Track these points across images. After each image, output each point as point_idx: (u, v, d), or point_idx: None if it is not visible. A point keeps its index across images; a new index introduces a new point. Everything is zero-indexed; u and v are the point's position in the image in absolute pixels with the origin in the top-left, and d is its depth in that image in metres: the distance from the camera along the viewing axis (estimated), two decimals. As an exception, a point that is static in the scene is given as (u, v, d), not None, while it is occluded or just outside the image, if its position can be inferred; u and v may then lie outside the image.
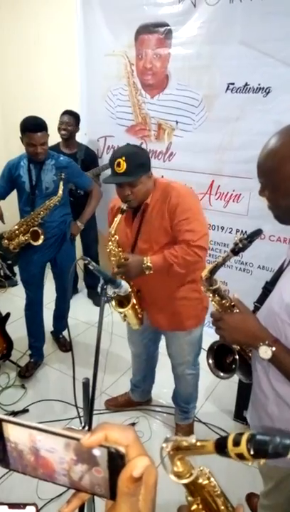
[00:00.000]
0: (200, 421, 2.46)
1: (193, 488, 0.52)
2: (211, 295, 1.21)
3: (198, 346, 2.19)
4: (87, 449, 0.38)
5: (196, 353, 2.20)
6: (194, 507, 0.53)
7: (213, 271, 1.18)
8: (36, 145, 2.43)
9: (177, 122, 3.16)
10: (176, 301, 1.99)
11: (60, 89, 3.87)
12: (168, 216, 1.80)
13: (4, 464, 0.43)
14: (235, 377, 2.55)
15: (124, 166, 1.71)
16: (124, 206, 1.80)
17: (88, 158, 3.51)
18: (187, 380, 2.26)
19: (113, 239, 1.86)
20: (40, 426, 0.40)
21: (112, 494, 0.39)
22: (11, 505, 0.58)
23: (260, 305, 1.23)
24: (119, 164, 1.72)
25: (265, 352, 1.03)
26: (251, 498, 1.96)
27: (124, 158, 1.72)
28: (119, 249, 1.89)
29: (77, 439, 0.38)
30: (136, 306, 1.98)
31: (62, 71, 3.82)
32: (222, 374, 1.24)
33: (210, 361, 1.26)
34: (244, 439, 0.41)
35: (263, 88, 2.69)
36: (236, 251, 1.11)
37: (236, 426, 2.44)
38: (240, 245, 1.10)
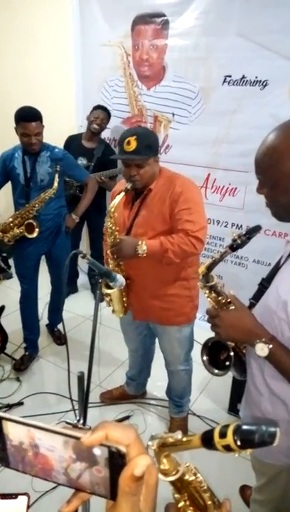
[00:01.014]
0: (194, 414, 2.48)
1: (180, 485, 0.52)
2: (207, 291, 1.20)
3: (189, 343, 2.18)
4: (87, 448, 0.38)
5: (188, 350, 2.20)
6: (181, 504, 0.53)
7: (210, 267, 1.17)
8: (30, 135, 2.40)
9: (173, 114, 3.14)
10: (166, 296, 1.97)
11: (56, 80, 3.83)
12: (169, 204, 1.80)
13: (4, 463, 0.42)
14: (229, 372, 2.56)
15: (133, 144, 1.71)
16: (129, 186, 1.80)
17: (105, 158, 3.35)
18: (180, 376, 2.26)
19: (112, 215, 1.85)
20: (41, 424, 0.39)
21: (113, 494, 0.38)
22: (3, 496, 0.58)
23: (256, 302, 1.22)
24: (129, 142, 1.72)
25: (261, 349, 1.03)
26: (244, 490, 1.98)
27: (134, 137, 1.72)
28: (116, 228, 1.88)
29: (78, 438, 0.38)
30: (123, 292, 1.97)
31: (58, 61, 3.77)
32: (216, 371, 1.24)
33: (205, 358, 1.25)
34: (230, 430, 0.41)
35: (260, 81, 2.68)
36: (234, 247, 1.10)
37: (230, 419, 2.45)
38: (239, 241, 1.09)
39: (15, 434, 0.40)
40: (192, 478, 0.52)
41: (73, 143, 3.35)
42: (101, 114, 3.31)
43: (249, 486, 1.96)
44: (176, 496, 0.53)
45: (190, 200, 1.79)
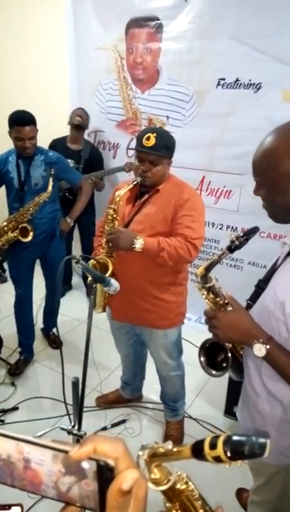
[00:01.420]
0: (190, 417, 2.47)
1: (171, 494, 0.52)
2: (205, 293, 1.20)
3: (176, 349, 2.16)
4: (76, 462, 0.37)
5: (176, 356, 2.18)
6: None
7: (209, 268, 1.17)
8: (24, 139, 2.40)
9: (168, 117, 3.15)
10: (151, 299, 1.95)
11: (50, 83, 3.82)
12: (173, 207, 1.81)
13: None
14: (226, 373, 2.56)
15: (153, 140, 1.75)
16: (138, 179, 1.82)
17: (92, 159, 3.42)
18: (172, 381, 2.25)
19: (116, 203, 1.84)
20: (29, 438, 0.39)
21: (102, 507, 0.38)
22: None
23: (253, 303, 1.23)
24: (148, 138, 1.76)
25: (259, 350, 1.03)
26: (241, 493, 1.98)
27: (155, 134, 1.77)
28: (117, 217, 1.87)
29: (66, 452, 0.37)
30: None
31: (52, 65, 3.77)
32: (214, 372, 1.24)
33: (202, 359, 1.25)
34: (220, 441, 0.41)
35: (254, 84, 2.69)
36: (232, 249, 1.11)
37: (226, 422, 2.45)
38: (236, 243, 1.09)
39: (4, 448, 0.40)
40: (184, 486, 0.52)
41: (58, 146, 3.33)
42: (80, 111, 3.36)
43: (246, 489, 1.95)
44: (168, 505, 0.52)
45: (194, 209, 1.81)
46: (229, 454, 0.39)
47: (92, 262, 1.83)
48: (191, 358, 2.39)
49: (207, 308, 1.19)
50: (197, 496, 0.52)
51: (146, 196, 1.89)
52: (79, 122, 3.34)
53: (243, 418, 1.30)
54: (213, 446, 0.41)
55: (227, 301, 1.17)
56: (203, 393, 2.69)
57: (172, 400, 2.31)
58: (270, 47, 2.54)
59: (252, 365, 1.18)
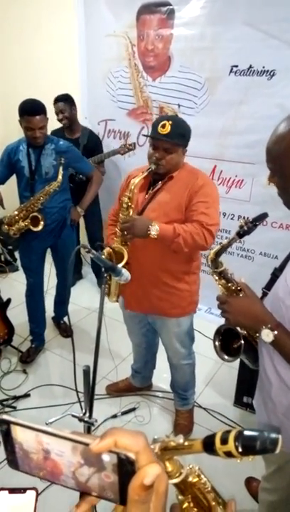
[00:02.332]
0: (200, 406, 2.48)
1: (183, 487, 0.52)
2: (217, 277, 1.23)
3: (189, 338, 2.17)
4: (96, 454, 0.37)
5: (188, 345, 2.19)
6: (185, 505, 0.53)
7: (219, 253, 1.21)
8: (34, 129, 2.39)
9: (179, 106, 3.11)
10: (164, 287, 1.96)
11: (60, 72, 3.80)
12: (188, 193, 1.81)
13: (14, 466, 0.42)
14: (236, 363, 2.57)
15: (168, 128, 1.74)
16: (153, 166, 1.81)
17: (91, 144, 3.41)
18: (183, 370, 2.26)
19: (132, 191, 1.83)
20: (49, 429, 0.39)
21: (122, 499, 0.38)
22: (12, 490, 0.58)
23: (268, 291, 1.25)
24: (164, 126, 1.75)
25: (267, 335, 1.06)
26: (250, 482, 1.99)
27: (171, 122, 1.76)
28: (132, 205, 1.86)
29: (87, 444, 0.38)
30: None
31: (62, 53, 3.74)
32: (226, 357, 1.27)
33: (217, 343, 1.28)
34: (231, 436, 0.40)
35: (267, 71, 2.63)
36: (241, 234, 1.14)
37: (236, 412, 2.46)
38: (245, 228, 1.12)
39: (23, 438, 0.40)
40: (196, 479, 0.52)
41: (57, 136, 3.32)
42: (60, 105, 3.27)
43: (255, 478, 1.96)
44: (180, 497, 0.53)
45: (208, 195, 1.81)
46: (240, 450, 0.39)
47: (107, 250, 1.83)
48: (201, 347, 2.41)
49: (220, 294, 1.23)
50: (209, 488, 0.52)
51: (160, 183, 1.88)
52: (64, 124, 3.32)
53: (258, 405, 1.32)
54: (224, 441, 0.40)
55: (239, 287, 1.20)
56: (213, 383, 2.69)
57: (182, 389, 2.32)
58: (284, 33, 2.48)
59: (266, 352, 1.19)
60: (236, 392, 2.48)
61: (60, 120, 3.30)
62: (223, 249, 1.20)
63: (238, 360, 2.45)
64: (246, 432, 0.40)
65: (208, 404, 2.51)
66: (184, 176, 1.86)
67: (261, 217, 1.12)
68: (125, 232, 1.83)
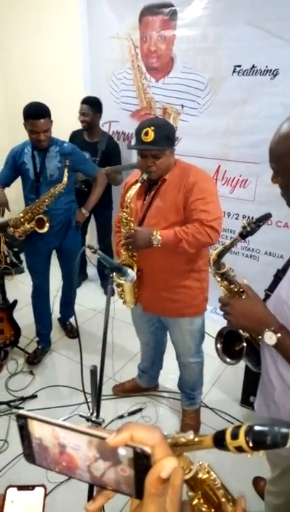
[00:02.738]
0: (206, 406, 2.48)
1: (193, 484, 0.52)
2: (219, 279, 1.21)
3: (200, 335, 2.19)
4: (111, 448, 0.38)
5: (199, 342, 2.21)
6: (195, 501, 0.53)
7: (221, 254, 1.18)
8: (39, 132, 2.40)
9: (182, 106, 3.12)
10: (177, 288, 1.97)
11: (63, 74, 3.82)
12: (183, 193, 1.80)
13: (30, 459, 0.43)
14: (242, 363, 2.55)
15: (151, 135, 1.72)
16: (145, 176, 1.81)
17: (109, 150, 3.38)
18: (192, 368, 2.27)
19: (128, 206, 1.85)
20: (66, 424, 0.40)
21: (138, 493, 0.39)
22: (20, 487, 0.59)
23: (271, 293, 1.23)
24: (146, 133, 1.73)
25: (270, 338, 1.04)
26: (257, 481, 1.99)
27: (152, 127, 1.73)
28: (131, 218, 1.88)
29: (103, 438, 0.38)
30: (135, 284, 1.97)
31: (65, 55, 3.76)
32: (228, 360, 1.25)
33: (218, 346, 1.26)
34: (242, 431, 0.41)
35: (270, 70, 2.63)
36: (244, 234, 1.11)
37: (242, 411, 2.46)
38: (248, 229, 1.10)
39: (40, 432, 0.41)
40: (206, 476, 0.52)
41: (77, 138, 3.35)
42: (84, 108, 3.27)
43: (262, 477, 1.96)
44: (190, 493, 0.53)
45: (204, 190, 1.79)
46: (251, 444, 0.40)
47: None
48: (207, 347, 2.41)
49: (222, 296, 1.20)
50: (219, 485, 0.53)
51: (155, 189, 1.88)
52: (85, 127, 3.32)
53: (259, 407, 1.30)
54: (235, 436, 0.41)
55: (242, 289, 1.18)
56: (219, 383, 2.69)
57: (190, 388, 2.33)
58: (286, 31, 2.48)
59: (269, 355, 1.18)
60: (242, 391, 2.47)
61: (81, 121, 3.31)
62: (225, 250, 1.17)
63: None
64: (257, 427, 0.40)
65: (215, 403, 2.51)
66: (176, 176, 1.85)
67: (265, 218, 1.10)
68: (130, 247, 1.85)
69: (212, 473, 0.53)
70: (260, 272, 2.84)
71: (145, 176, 1.81)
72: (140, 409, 2.47)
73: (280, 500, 1.39)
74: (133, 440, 0.38)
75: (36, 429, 0.41)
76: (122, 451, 0.38)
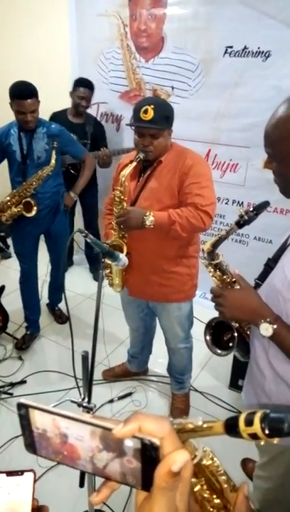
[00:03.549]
0: (196, 390, 2.50)
1: (197, 470, 0.51)
2: (212, 270, 1.18)
3: (188, 321, 2.19)
4: (116, 439, 0.37)
5: (187, 328, 2.21)
6: (197, 487, 0.52)
7: (216, 244, 1.15)
8: (26, 112, 2.33)
9: (173, 88, 3.06)
10: (166, 273, 1.96)
11: (50, 53, 3.70)
12: (179, 176, 1.77)
13: (31, 450, 0.42)
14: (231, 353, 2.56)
15: (151, 113, 1.69)
16: (141, 155, 1.77)
17: (97, 132, 3.32)
18: (181, 353, 2.27)
19: (122, 184, 1.81)
20: (69, 414, 0.38)
21: (144, 485, 0.38)
22: (9, 473, 0.57)
23: (261, 282, 1.20)
24: (146, 111, 1.69)
25: (266, 329, 1.01)
26: (246, 463, 2.02)
27: (152, 106, 1.70)
28: (125, 197, 1.84)
29: (109, 429, 0.37)
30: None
31: (52, 33, 3.63)
32: (219, 351, 1.22)
33: (208, 338, 1.23)
34: (257, 417, 0.39)
35: (262, 52, 2.59)
36: (241, 224, 1.08)
37: (231, 394, 2.49)
38: (246, 217, 1.07)
39: (41, 422, 0.40)
40: (209, 462, 0.51)
41: (59, 119, 3.22)
42: (85, 92, 3.18)
43: (251, 459, 2.00)
44: (193, 480, 0.52)
45: (200, 175, 1.77)
46: (267, 431, 0.38)
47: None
48: (196, 332, 2.41)
49: (214, 286, 1.17)
50: (222, 471, 0.52)
51: (150, 170, 1.85)
52: (83, 108, 3.23)
53: (248, 397, 1.30)
54: (249, 422, 0.39)
55: (234, 280, 1.15)
56: (208, 367, 2.72)
57: (179, 373, 2.34)
58: (281, 12, 2.43)
59: (259, 345, 1.16)
60: (231, 375, 2.50)
61: (77, 104, 3.20)
62: (221, 240, 1.14)
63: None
64: (273, 414, 0.39)
65: (204, 387, 2.53)
66: (173, 158, 1.82)
67: (263, 206, 1.07)
68: (121, 226, 1.82)
69: (215, 459, 0.52)
70: (249, 256, 2.85)
71: (141, 155, 1.77)
72: (130, 394, 2.48)
73: (268, 485, 1.41)
74: (142, 431, 0.36)
75: (38, 419, 0.40)
76: (129, 443, 0.36)
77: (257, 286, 1.24)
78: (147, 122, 1.71)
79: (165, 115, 1.74)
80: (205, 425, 0.43)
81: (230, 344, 1.20)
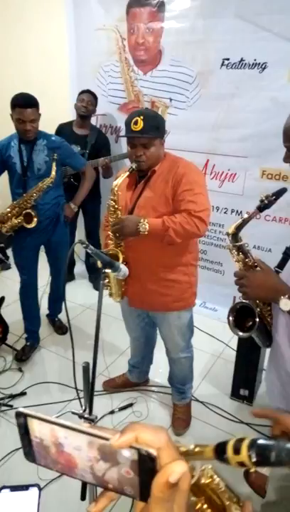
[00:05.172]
0: (197, 400, 2.49)
1: (197, 489, 0.51)
2: (236, 252, 1.28)
3: (189, 330, 2.18)
4: (114, 449, 0.37)
5: (188, 337, 2.20)
6: (198, 506, 0.51)
7: (239, 227, 1.26)
8: (26, 121, 2.36)
9: (171, 100, 3.09)
10: (164, 281, 1.96)
11: (49, 66, 3.75)
12: (172, 185, 1.80)
13: (30, 458, 0.42)
14: (232, 357, 2.58)
15: (141, 124, 1.73)
16: (134, 166, 1.81)
17: (99, 143, 3.36)
18: (181, 363, 2.26)
19: (115, 193, 1.84)
20: (67, 423, 0.39)
21: (143, 495, 0.37)
22: (14, 488, 0.57)
23: (280, 270, 1.28)
24: (136, 122, 1.73)
25: (285, 304, 1.10)
26: (249, 473, 2.00)
27: (142, 117, 1.74)
28: (119, 207, 1.87)
29: (106, 439, 0.37)
30: None
31: (51, 47, 3.69)
32: (240, 333, 1.29)
33: (230, 318, 1.30)
34: (244, 445, 0.38)
35: (259, 64, 2.63)
36: (262, 207, 1.19)
37: (233, 404, 2.47)
38: (266, 202, 1.17)
39: (40, 431, 0.40)
40: (209, 480, 0.50)
41: (65, 131, 3.29)
42: (86, 96, 3.26)
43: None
44: (193, 498, 0.51)
45: (193, 182, 1.79)
46: (254, 459, 0.37)
47: None
48: (197, 342, 2.42)
49: (237, 270, 1.27)
50: (223, 488, 0.51)
51: (144, 180, 1.88)
52: (84, 113, 3.27)
53: (270, 380, 1.35)
54: (236, 450, 0.38)
55: (255, 263, 1.25)
56: (209, 377, 2.71)
57: (180, 383, 2.33)
58: (276, 25, 2.48)
59: (283, 323, 1.22)
60: (233, 384, 2.49)
61: (79, 107, 3.25)
62: (244, 223, 1.24)
63: (234, 353, 2.47)
64: (261, 441, 0.37)
65: (205, 397, 2.52)
66: (166, 167, 1.85)
67: (281, 192, 1.17)
68: (117, 234, 1.84)
69: (215, 477, 0.51)
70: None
71: (134, 166, 1.80)
72: (131, 405, 2.46)
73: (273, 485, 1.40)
74: (139, 442, 0.36)
75: (36, 428, 0.40)
76: (126, 453, 0.36)
77: (276, 273, 1.32)
78: (137, 132, 1.75)
79: (154, 125, 1.78)
80: (196, 449, 0.43)
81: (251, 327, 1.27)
